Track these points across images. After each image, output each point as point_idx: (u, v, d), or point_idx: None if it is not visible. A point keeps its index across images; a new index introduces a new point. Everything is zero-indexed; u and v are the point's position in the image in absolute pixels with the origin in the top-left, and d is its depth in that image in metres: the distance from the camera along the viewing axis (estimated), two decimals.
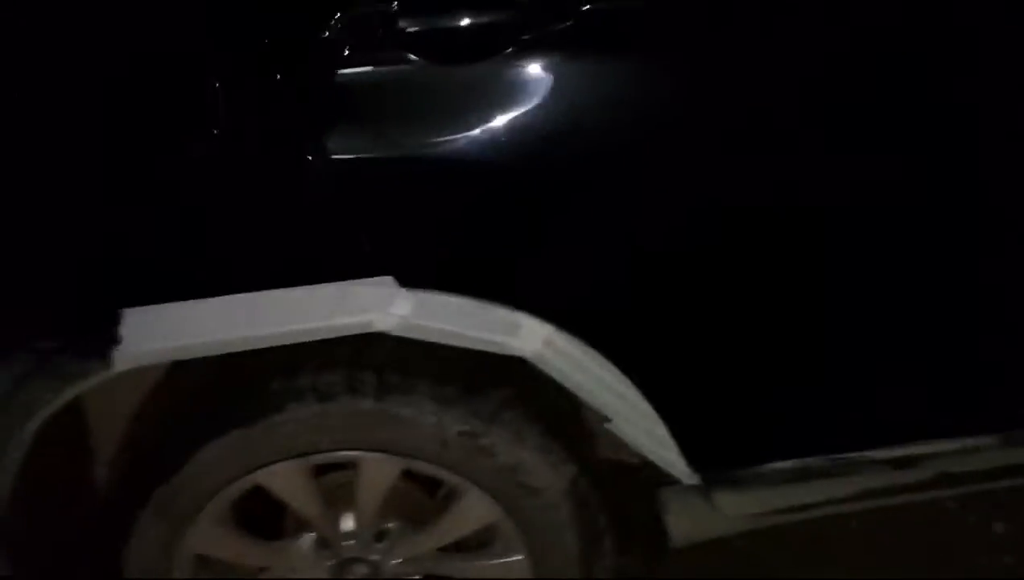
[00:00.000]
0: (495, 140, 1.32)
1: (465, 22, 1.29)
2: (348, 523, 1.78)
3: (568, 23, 1.28)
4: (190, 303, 1.37)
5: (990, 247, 1.54)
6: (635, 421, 1.56)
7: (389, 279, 1.38)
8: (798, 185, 1.42)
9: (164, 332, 1.37)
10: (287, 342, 1.41)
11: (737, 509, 1.72)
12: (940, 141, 1.43)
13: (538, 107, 1.31)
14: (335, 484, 1.77)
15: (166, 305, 1.36)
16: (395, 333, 1.41)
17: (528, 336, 1.44)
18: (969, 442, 1.70)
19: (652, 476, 1.70)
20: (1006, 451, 1.72)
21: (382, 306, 1.39)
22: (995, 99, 1.42)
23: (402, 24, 1.27)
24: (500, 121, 1.31)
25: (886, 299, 1.55)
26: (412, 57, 1.28)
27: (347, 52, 1.27)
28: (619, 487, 1.78)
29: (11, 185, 1.32)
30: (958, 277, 1.57)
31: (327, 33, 1.27)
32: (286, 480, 1.64)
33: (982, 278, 1.58)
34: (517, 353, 1.45)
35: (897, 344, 1.60)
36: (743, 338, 1.56)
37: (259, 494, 1.67)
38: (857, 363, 1.61)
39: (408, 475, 1.70)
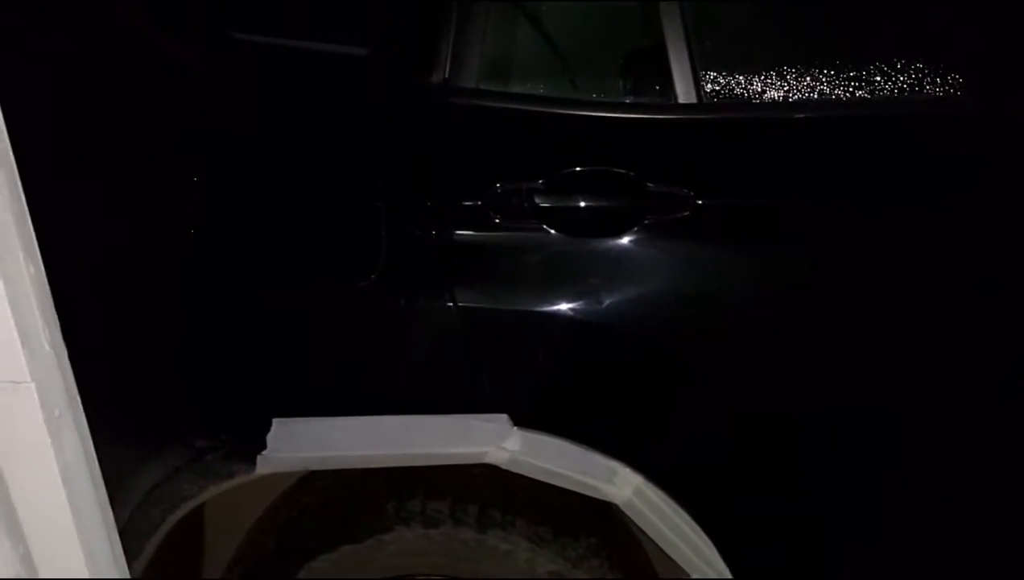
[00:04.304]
0: (614, 306, 1.53)
1: (596, 203, 1.53)
2: None
3: (685, 213, 1.51)
4: (329, 419, 1.56)
5: None
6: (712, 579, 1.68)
7: (504, 417, 1.56)
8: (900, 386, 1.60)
9: (303, 443, 1.56)
10: (412, 464, 1.58)
11: None
12: None
13: (652, 281, 1.53)
14: None
15: (307, 419, 1.56)
16: (504, 467, 1.58)
17: (621, 483, 1.59)
18: None
19: None
20: None
21: (496, 441, 1.57)
22: None
23: (540, 200, 1.51)
24: (618, 290, 1.53)
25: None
26: (547, 229, 1.52)
27: (495, 219, 1.51)
28: None
29: (194, 305, 1.55)
30: None
31: (479, 201, 1.51)
32: None
33: None
34: (610, 498, 1.60)
35: None
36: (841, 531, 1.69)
37: None
38: None
39: None
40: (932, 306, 1.58)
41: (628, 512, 1.62)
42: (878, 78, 1.55)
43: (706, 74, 1.55)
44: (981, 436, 1.64)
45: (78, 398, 0.97)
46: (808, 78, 1.55)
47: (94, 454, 1.00)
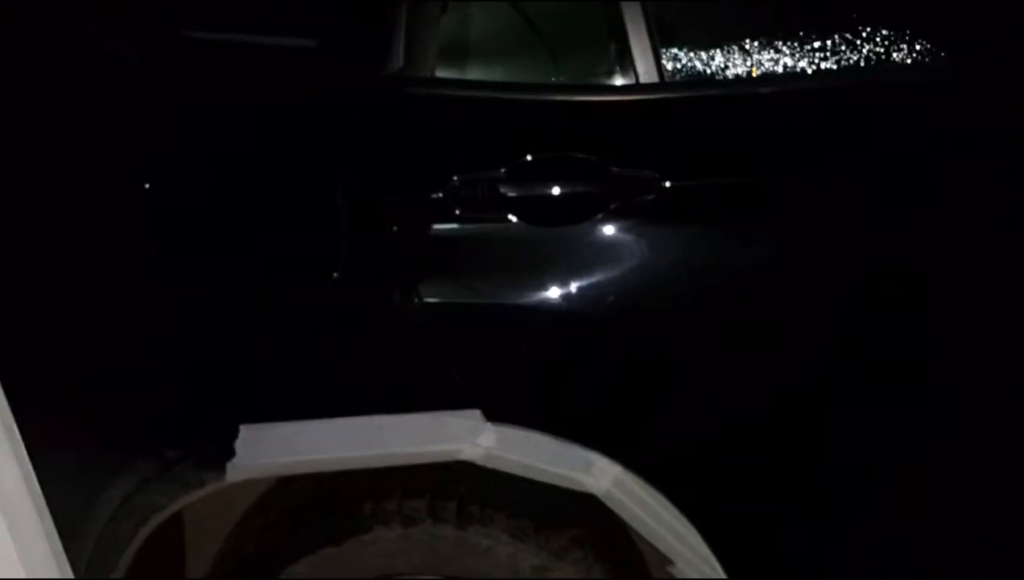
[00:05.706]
0: (583, 293, 1.49)
1: (560, 190, 1.49)
2: None
3: (651, 197, 1.47)
4: (299, 423, 1.53)
5: None
6: (697, 565, 1.65)
7: (477, 412, 1.53)
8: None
9: (274, 448, 1.53)
10: (385, 464, 1.55)
11: None
12: None
13: (620, 266, 1.49)
14: None
15: (277, 424, 1.53)
16: (479, 463, 1.55)
17: (599, 474, 1.56)
18: None
19: None
20: None
21: (469, 437, 1.54)
22: None
23: (504, 189, 1.47)
24: (587, 277, 1.49)
25: None
26: (511, 218, 1.48)
27: (457, 211, 1.47)
28: None
29: (151, 312, 1.51)
30: None
31: (440, 194, 1.47)
32: None
33: None
34: (588, 490, 1.57)
35: None
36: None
37: None
38: None
39: None
40: (913, 284, 1.55)
41: (608, 502, 1.59)
42: (843, 48, 1.51)
43: (667, 52, 1.51)
44: (972, 434, 1.61)
45: (15, 427, 0.93)
46: (771, 51, 1.51)
47: (36, 483, 0.97)
